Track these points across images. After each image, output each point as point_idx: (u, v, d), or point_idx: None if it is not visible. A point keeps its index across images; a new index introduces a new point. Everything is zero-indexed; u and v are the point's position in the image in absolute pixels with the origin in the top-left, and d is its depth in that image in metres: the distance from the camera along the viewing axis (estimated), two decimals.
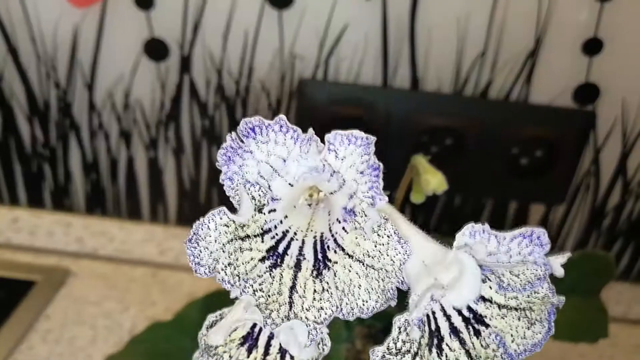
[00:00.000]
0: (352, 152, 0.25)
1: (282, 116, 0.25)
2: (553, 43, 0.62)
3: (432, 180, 0.36)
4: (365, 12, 0.62)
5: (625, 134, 0.66)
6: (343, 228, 0.27)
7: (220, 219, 0.26)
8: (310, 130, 0.26)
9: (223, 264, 0.27)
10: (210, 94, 0.68)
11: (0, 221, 0.77)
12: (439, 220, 0.73)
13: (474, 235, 0.27)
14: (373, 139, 0.25)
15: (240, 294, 0.27)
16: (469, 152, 0.66)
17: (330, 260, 0.28)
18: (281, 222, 0.28)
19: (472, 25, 0.62)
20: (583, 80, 0.63)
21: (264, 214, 0.28)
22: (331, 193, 0.27)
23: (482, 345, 0.29)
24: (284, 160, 0.26)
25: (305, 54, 0.65)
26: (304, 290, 0.27)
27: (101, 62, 0.67)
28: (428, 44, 0.63)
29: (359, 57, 0.65)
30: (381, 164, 0.25)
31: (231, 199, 0.27)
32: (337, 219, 0.28)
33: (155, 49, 0.66)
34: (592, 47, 0.62)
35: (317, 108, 0.65)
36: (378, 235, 0.26)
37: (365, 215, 0.26)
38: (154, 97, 0.69)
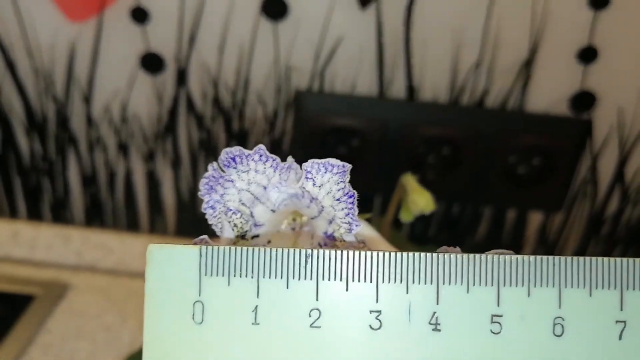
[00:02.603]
0: (328, 180, 0.25)
1: (262, 145, 0.26)
2: (548, 52, 0.62)
3: (419, 201, 0.36)
4: (360, 24, 0.63)
5: (622, 141, 0.66)
6: None
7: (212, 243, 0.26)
8: (290, 158, 0.26)
9: None
10: (207, 107, 0.68)
11: (0, 234, 0.77)
12: (438, 229, 0.73)
13: None
14: (349, 166, 0.25)
15: None
16: (466, 161, 0.66)
17: None
18: (264, 246, 0.29)
19: (467, 35, 0.62)
20: (579, 89, 0.64)
21: (247, 239, 0.28)
22: (312, 218, 0.27)
23: None
24: (265, 188, 0.27)
25: (300, 65, 0.65)
26: None
27: (98, 76, 0.68)
28: (423, 55, 0.64)
29: (354, 68, 0.65)
30: (355, 192, 0.25)
31: (213, 227, 0.27)
32: (319, 244, 0.28)
33: (152, 63, 0.66)
34: (587, 55, 0.62)
35: (314, 119, 0.66)
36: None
37: (344, 240, 0.26)
38: (150, 110, 0.69)
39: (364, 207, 0.75)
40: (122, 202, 0.76)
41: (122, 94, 0.68)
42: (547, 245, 0.73)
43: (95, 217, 0.78)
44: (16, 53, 0.67)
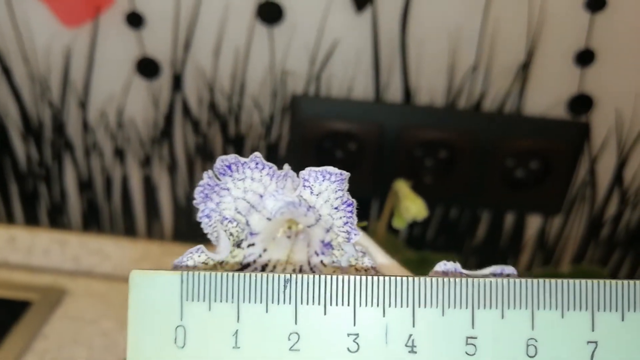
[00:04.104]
0: (326, 188, 0.25)
1: (258, 153, 0.25)
2: (545, 55, 0.62)
3: (411, 207, 0.36)
4: (355, 27, 0.62)
5: (620, 143, 0.66)
6: (321, 261, 0.27)
7: (199, 256, 0.26)
8: (286, 166, 0.26)
9: None
10: (202, 111, 0.68)
11: None
12: (436, 233, 0.73)
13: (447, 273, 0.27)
14: (347, 174, 0.25)
15: None
16: (463, 164, 0.66)
17: None
18: (260, 255, 0.28)
19: (463, 38, 0.62)
20: (576, 91, 0.63)
21: (243, 248, 0.28)
22: (309, 226, 0.27)
23: None
24: (261, 196, 0.26)
25: (296, 70, 0.65)
26: None
27: (94, 81, 0.68)
28: (419, 58, 0.63)
29: (350, 72, 0.64)
30: (354, 200, 0.25)
31: (209, 236, 0.27)
32: (315, 252, 0.28)
33: (147, 68, 0.66)
34: (584, 58, 0.61)
35: (310, 123, 0.65)
36: (356, 269, 0.26)
37: (342, 249, 0.26)
38: (147, 115, 0.69)
39: (361, 211, 0.74)
40: (119, 207, 0.76)
41: (117, 99, 0.68)
42: (546, 249, 0.73)
43: (92, 222, 0.78)
44: (12, 59, 0.67)
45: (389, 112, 0.65)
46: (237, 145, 0.69)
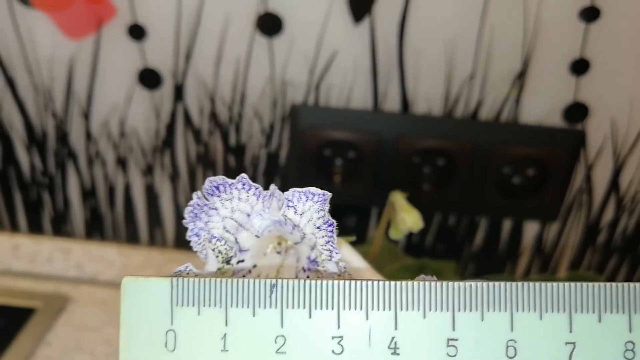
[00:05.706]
0: (309, 208, 0.26)
1: (244, 175, 0.27)
2: (541, 64, 0.63)
3: (407, 219, 0.36)
4: (353, 38, 0.63)
5: (615, 151, 0.66)
6: (308, 277, 0.28)
7: (187, 274, 0.27)
8: (272, 186, 0.27)
9: None
10: (204, 121, 0.69)
11: (1, 248, 0.78)
12: (435, 241, 0.74)
13: None
14: (329, 195, 0.26)
15: None
16: (461, 172, 0.67)
17: None
18: (250, 271, 0.29)
19: (460, 47, 0.63)
20: (572, 100, 0.64)
21: (232, 265, 0.28)
22: (296, 243, 0.28)
23: None
24: (248, 215, 0.27)
25: (296, 80, 0.66)
26: None
27: (96, 92, 0.69)
28: (417, 67, 0.64)
29: (349, 82, 0.65)
30: (335, 221, 0.26)
31: (198, 254, 0.28)
32: (303, 268, 0.29)
33: (149, 78, 0.67)
34: (579, 67, 0.62)
35: (310, 133, 0.66)
36: None
37: (325, 266, 0.27)
38: (149, 124, 0.70)
39: (361, 218, 0.75)
40: (121, 215, 0.77)
41: (120, 109, 0.69)
42: (544, 256, 0.74)
43: (95, 230, 0.79)
44: (16, 70, 0.68)
45: (387, 121, 0.66)
46: (238, 154, 0.70)
